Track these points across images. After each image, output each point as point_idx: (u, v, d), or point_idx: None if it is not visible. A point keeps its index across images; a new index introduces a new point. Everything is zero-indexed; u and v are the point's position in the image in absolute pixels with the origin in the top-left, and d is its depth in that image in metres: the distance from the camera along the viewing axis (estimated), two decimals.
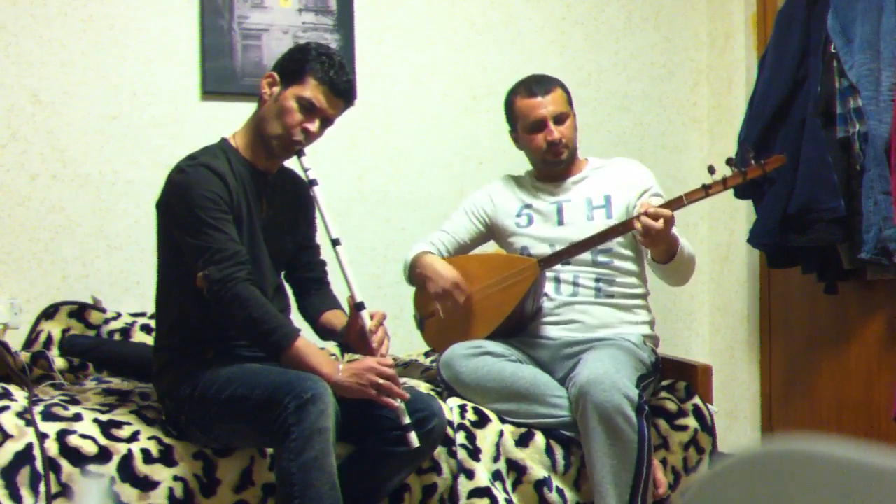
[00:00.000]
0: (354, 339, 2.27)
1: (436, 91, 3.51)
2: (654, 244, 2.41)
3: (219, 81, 3.21)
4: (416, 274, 2.69)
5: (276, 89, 2.25)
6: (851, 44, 2.93)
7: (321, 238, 2.46)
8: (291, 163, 2.35)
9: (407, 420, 2.13)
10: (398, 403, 2.13)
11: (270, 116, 2.24)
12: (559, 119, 2.64)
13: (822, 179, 2.94)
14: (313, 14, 3.32)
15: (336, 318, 2.39)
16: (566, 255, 2.59)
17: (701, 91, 3.88)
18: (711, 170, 2.42)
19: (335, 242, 2.27)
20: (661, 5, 3.80)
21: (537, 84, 2.68)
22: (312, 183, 2.29)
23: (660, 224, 2.30)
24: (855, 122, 2.91)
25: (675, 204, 2.42)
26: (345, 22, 3.35)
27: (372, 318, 2.23)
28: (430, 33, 3.51)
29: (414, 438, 2.13)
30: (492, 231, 2.78)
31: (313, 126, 2.23)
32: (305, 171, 2.30)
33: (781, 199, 3.05)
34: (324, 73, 2.21)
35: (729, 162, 2.42)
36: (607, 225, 2.57)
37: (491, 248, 2.87)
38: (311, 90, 2.21)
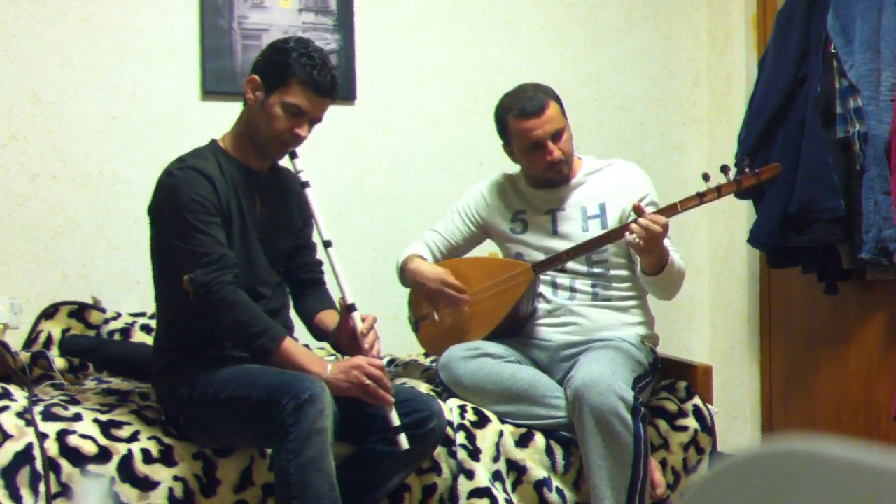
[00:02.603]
0: (345, 340, 2.28)
1: (436, 91, 3.51)
2: (646, 252, 2.39)
3: (219, 81, 3.21)
4: (406, 278, 2.69)
5: (259, 94, 2.22)
6: (851, 44, 2.93)
7: (318, 237, 2.46)
8: (284, 163, 2.36)
9: (396, 422, 2.13)
10: (386, 404, 2.12)
11: (259, 123, 2.23)
12: (557, 136, 2.53)
13: (822, 179, 2.94)
14: (313, 14, 3.32)
15: (329, 319, 2.39)
16: (560, 260, 2.57)
17: (701, 91, 3.88)
18: (706, 177, 2.41)
19: (327, 244, 2.28)
20: (661, 5, 3.80)
21: (529, 101, 2.51)
22: (305, 185, 2.29)
23: (657, 229, 2.30)
24: (855, 122, 2.91)
25: (670, 211, 2.40)
26: (345, 22, 3.35)
27: (363, 320, 2.24)
28: (430, 33, 3.51)
29: (404, 440, 2.12)
30: (487, 232, 2.75)
31: (303, 131, 2.23)
32: (298, 172, 2.30)
33: (781, 199, 3.05)
34: (307, 74, 2.18)
35: (724, 169, 2.42)
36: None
37: (485, 249, 2.86)
38: (295, 95, 2.19)
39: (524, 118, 2.51)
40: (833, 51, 2.97)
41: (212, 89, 3.20)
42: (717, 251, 3.84)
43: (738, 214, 3.67)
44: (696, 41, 3.86)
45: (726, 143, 3.66)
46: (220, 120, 3.14)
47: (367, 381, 2.10)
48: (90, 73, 3.08)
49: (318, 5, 3.32)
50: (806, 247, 3.06)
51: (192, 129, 3.15)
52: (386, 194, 3.44)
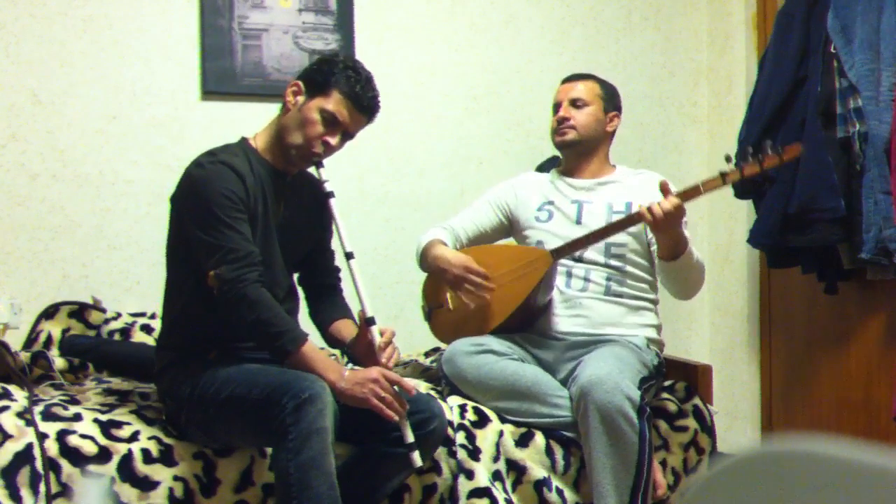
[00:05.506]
0: (362, 352, 2.27)
1: (436, 91, 3.51)
2: (660, 231, 2.41)
3: (219, 81, 3.20)
4: (428, 264, 2.69)
5: (300, 98, 2.24)
6: (851, 44, 2.93)
7: (336, 246, 2.46)
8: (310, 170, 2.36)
9: (411, 438, 2.11)
10: (398, 418, 2.11)
11: (292, 126, 2.23)
12: (575, 103, 2.70)
13: (822, 179, 2.94)
14: (313, 14, 3.32)
15: (346, 328, 2.38)
16: (579, 245, 2.59)
17: (701, 91, 3.88)
18: (728, 158, 2.42)
19: (349, 256, 2.27)
20: (661, 5, 3.80)
21: (576, 75, 2.80)
22: (329, 195, 2.29)
23: (668, 209, 2.33)
24: (855, 122, 2.91)
25: (692, 193, 2.42)
26: (345, 22, 3.35)
27: (382, 334, 2.23)
28: (430, 33, 3.51)
29: (417, 458, 2.11)
30: (511, 224, 2.79)
31: (334, 140, 2.24)
32: (322, 182, 2.30)
33: (781, 199, 3.05)
34: (349, 87, 2.21)
35: (728, 159, 2.42)
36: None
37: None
38: (334, 103, 2.21)
39: (563, 83, 2.79)
40: (833, 51, 2.97)
41: (212, 89, 3.20)
42: (717, 251, 3.84)
43: (738, 214, 3.67)
44: (696, 41, 3.86)
45: (726, 143, 3.66)
46: (220, 120, 3.16)
47: (383, 394, 2.09)
48: (90, 73, 3.08)
49: (318, 5, 3.32)
50: (806, 247, 3.06)
51: (192, 129, 3.16)
52: (386, 194, 3.44)
